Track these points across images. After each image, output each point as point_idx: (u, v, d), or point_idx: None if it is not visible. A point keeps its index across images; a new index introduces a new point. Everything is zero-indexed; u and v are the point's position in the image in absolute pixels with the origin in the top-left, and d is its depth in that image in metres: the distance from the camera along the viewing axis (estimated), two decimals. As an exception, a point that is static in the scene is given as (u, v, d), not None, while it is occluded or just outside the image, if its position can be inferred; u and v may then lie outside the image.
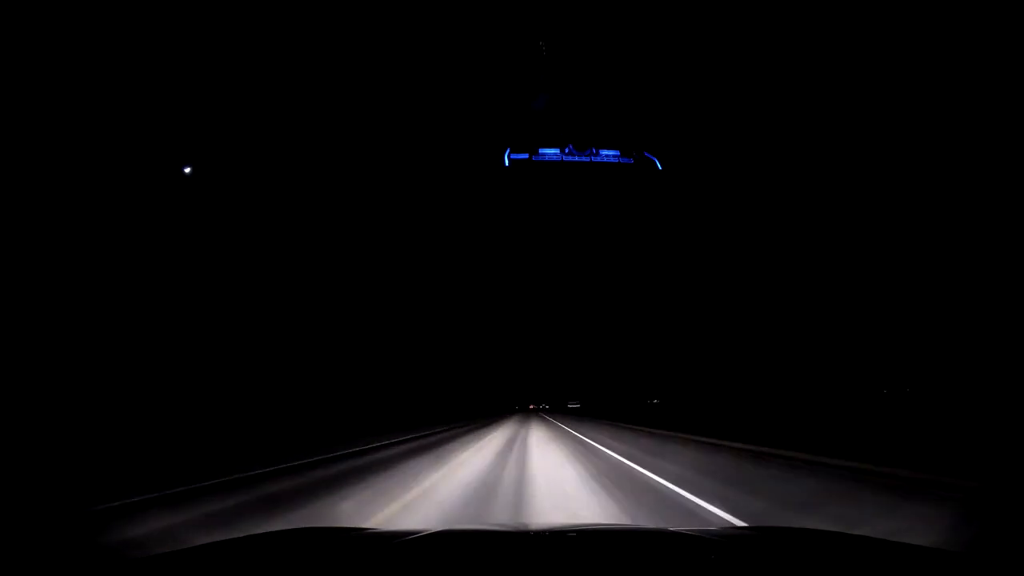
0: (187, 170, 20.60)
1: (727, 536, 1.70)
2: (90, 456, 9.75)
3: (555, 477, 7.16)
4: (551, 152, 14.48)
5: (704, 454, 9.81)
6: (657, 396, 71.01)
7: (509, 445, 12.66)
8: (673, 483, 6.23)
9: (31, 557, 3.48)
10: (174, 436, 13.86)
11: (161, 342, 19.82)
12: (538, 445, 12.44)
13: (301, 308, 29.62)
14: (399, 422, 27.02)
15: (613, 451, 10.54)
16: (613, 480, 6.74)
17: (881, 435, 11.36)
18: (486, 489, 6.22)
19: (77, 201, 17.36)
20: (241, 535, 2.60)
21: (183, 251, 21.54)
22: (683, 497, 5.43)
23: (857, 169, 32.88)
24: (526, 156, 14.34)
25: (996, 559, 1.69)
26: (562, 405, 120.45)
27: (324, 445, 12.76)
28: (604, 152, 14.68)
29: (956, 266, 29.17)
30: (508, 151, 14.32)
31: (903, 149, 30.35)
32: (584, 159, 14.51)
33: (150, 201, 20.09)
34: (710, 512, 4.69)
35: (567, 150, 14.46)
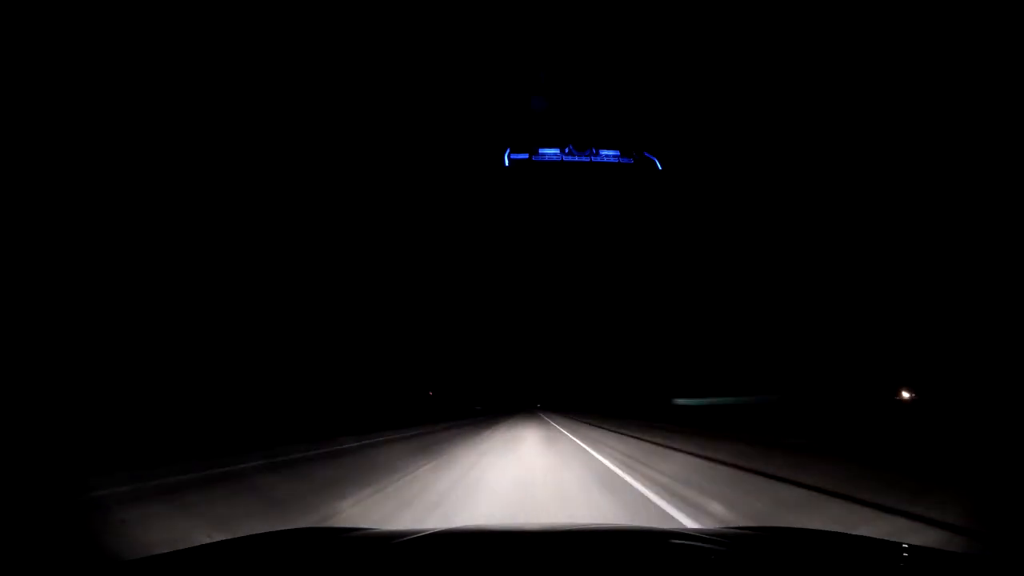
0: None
1: (727, 536, 1.70)
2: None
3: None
4: (551, 152, 14.44)
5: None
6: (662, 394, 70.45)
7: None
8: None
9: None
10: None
11: (160, 341, 19.80)
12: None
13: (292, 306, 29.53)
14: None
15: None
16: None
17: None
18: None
19: (85, 200, 17.36)
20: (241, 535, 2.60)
21: (182, 251, 21.53)
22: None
23: (857, 169, 32.90)
24: (526, 156, 14.31)
25: (997, 560, 1.69)
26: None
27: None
28: (604, 152, 14.65)
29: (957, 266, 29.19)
30: (508, 151, 14.29)
31: (903, 149, 30.38)
32: (584, 159, 14.48)
33: (150, 200, 20.10)
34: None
35: (567, 150, 14.43)
